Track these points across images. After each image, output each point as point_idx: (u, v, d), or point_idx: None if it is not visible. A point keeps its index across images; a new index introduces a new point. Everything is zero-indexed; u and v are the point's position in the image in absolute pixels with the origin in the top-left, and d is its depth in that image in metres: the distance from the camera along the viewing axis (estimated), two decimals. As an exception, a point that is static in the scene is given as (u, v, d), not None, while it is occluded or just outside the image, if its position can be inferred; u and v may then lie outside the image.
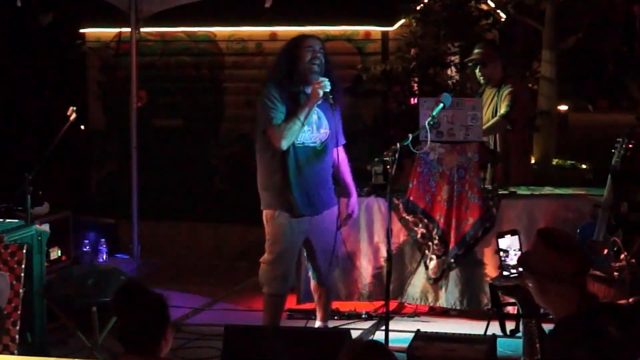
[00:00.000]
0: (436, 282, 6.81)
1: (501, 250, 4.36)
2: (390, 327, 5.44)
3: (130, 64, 8.01)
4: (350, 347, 3.35)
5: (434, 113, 5.78)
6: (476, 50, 7.61)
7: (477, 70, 7.59)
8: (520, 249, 4.72)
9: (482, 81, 7.60)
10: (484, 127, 7.04)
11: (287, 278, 6.06)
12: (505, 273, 4.94)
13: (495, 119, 7.36)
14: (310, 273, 6.29)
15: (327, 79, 5.84)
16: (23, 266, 5.65)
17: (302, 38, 6.04)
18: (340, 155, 6.16)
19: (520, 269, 4.08)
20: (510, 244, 4.73)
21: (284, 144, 5.84)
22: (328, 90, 5.81)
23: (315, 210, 5.98)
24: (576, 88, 22.30)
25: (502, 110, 7.29)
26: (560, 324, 3.50)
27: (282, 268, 6.01)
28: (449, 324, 6.63)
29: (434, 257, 6.78)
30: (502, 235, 4.63)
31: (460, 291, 6.77)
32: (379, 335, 5.96)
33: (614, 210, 6.26)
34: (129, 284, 3.94)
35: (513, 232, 4.70)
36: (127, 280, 3.78)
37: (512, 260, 4.50)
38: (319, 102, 5.90)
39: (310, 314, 6.68)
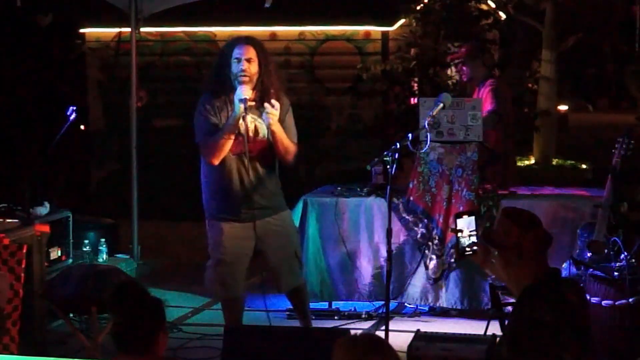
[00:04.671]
0: (436, 282, 6.81)
1: (458, 230, 4.42)
2: (390, 327, 5.43)
3: (130, 64, 8.01)
4: (348, 341, 3.29)
5: (434, 113, 5.79)
6: (461, 50, 7.65)
7: (458, 70, 7.67)
8: (475, 230, 4.79)
9: (464, 80, 7.66)
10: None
11: (227, 282, 5.95)
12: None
13: (485, 115, 7.40)
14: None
15: (242, 87, 5.73)
16: (23, 266, 5.65)
17: (231, 47, 5.89)
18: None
19: (475, 248, 4.32)
20: (466, 224, 4.76)
21: (215, 160, 5.81)
22: (246, 97, 5.70)
23: (255, 217, 5.89)
24: (576, 88, 22.29)
25: (489, 106, 7.30)
26: (525, 292, 3.81)
27: (222, 274, 5.94)
28: (449, 324, 6.63)
29: (434, 257, 6.78)
30: (460, 216, 4.67)
31: (461, 291, 6.78)
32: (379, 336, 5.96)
33: (614, 210, 6.26)
34: (125, 283, 3.95)
35: (470, 213, 4.73)
36: (125, 280, 3.80)
37: (467, 240, 4.53)
38: (256, 110, 5.81)
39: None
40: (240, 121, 5.76)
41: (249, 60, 5.80)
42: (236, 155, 5.84)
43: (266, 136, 5.89)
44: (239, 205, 5.89)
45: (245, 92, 5.72)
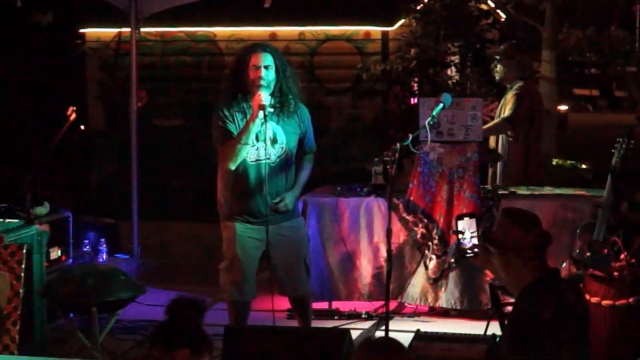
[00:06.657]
0: (436, 282, 6.81)
1: (459, 232, 4.43)
2: (390, 327, 5.44)
3: (130, 64, 8.01)
4: (365, 345, 3.45)
5: (434, 113, 5.78)
6: (500, 47, 7.82)
7: (494, 66, 7.75)
8: (476, 232, 4.83)
9: (496, 78, 7.72)
10: (487, 126, 7.16)
11: (242, 285, 5.97)
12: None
13: (497, 120, 7.45)
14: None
15: (266, 92, 5.75)
16: (23, 266, 5.65)
17: (248, 55, 5.88)
18: (304, 165, 6.06)
19: (476, 250, 4.43)
20: (467, 226, 4.78)
21: (232, 165, 5.84)
22: (266, 103, 5.72)
23: (269, 221, 5.88)
24: (576, 88, 22.30)
25: (506, 112, 7.37)
26: (524, 291, 3.89)
27: (236, 274, 5.95)
28: (449, 324, 6.63)
29: (433, 257, 6.78)
30: (461, 217, 4.68)
31: (460, 291, 6.78)
32: (379, 336, 5.96)
33: (614, 210, 6.25)
34: (194, 301, 4.10)
35: (472, 215, 4.75)
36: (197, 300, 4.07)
37: (469, 242, 4.53)
38: (275, 117, 5.84)
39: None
40: (260, 128, 5.78)
41: (266, 67, 5.81)
42: (255, 162, 5.86)
43: (284, 144, 5.91)
44: (254, 209, 5.90)
45: (265, 98, 5.74)
